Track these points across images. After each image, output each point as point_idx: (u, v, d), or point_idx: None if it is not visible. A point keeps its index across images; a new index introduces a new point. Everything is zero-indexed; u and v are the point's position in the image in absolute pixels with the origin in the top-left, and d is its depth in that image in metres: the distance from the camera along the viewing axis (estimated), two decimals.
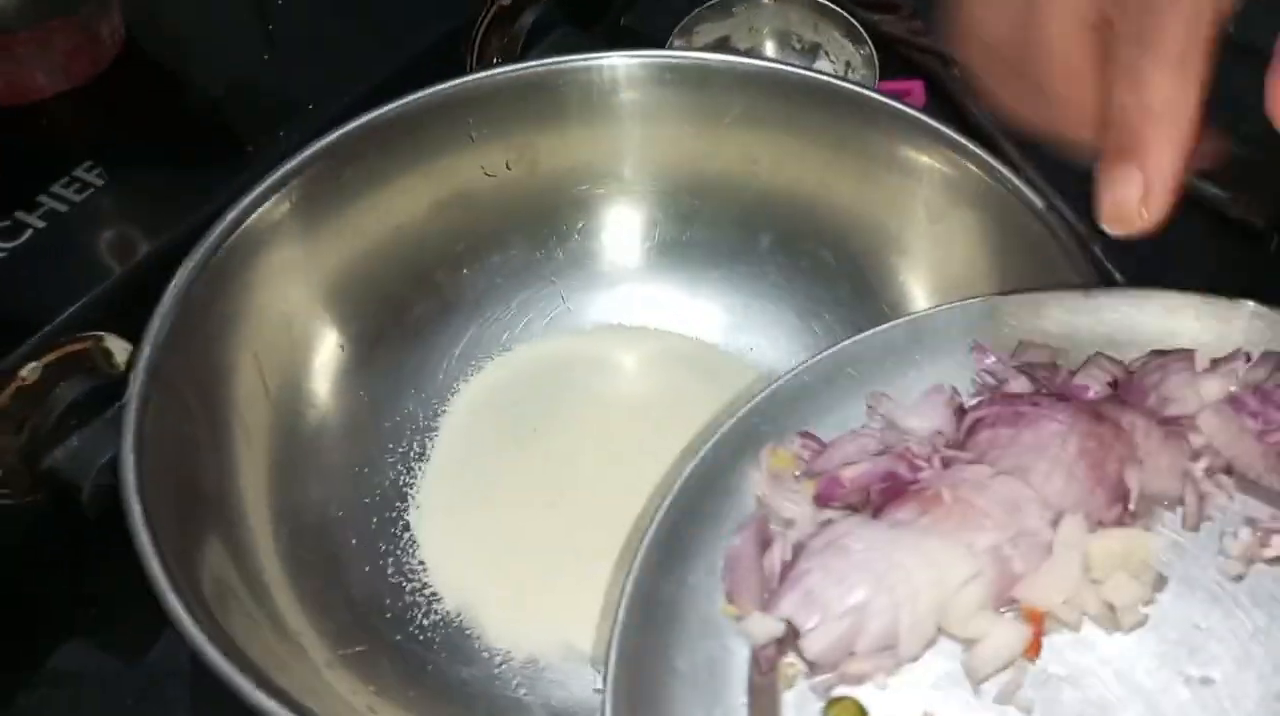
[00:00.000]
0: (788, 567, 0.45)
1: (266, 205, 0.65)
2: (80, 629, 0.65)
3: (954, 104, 0.87)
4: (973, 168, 0.68)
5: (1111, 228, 0.42)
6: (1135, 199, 0.39)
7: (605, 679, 0.42)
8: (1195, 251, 0.72)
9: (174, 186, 0.73)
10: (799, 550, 0.46)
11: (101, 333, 0.63)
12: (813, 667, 0.44)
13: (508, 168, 0.73)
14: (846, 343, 0.54)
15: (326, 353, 0.70)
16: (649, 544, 0.45)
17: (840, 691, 0.44)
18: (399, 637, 0.63)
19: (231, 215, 0.64)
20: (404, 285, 0.73)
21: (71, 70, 0.77)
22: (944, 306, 0.56)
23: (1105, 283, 0.59)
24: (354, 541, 0.66)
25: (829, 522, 0.47)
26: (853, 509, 0.47)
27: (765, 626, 0.44)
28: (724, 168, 0.75)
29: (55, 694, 0.63)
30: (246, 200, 0.64)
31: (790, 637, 0.45)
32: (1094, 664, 0.43)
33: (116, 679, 0.63)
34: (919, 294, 0.72)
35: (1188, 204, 0.43)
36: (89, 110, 0.77)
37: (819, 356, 0.53)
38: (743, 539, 0.47)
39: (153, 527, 0.53)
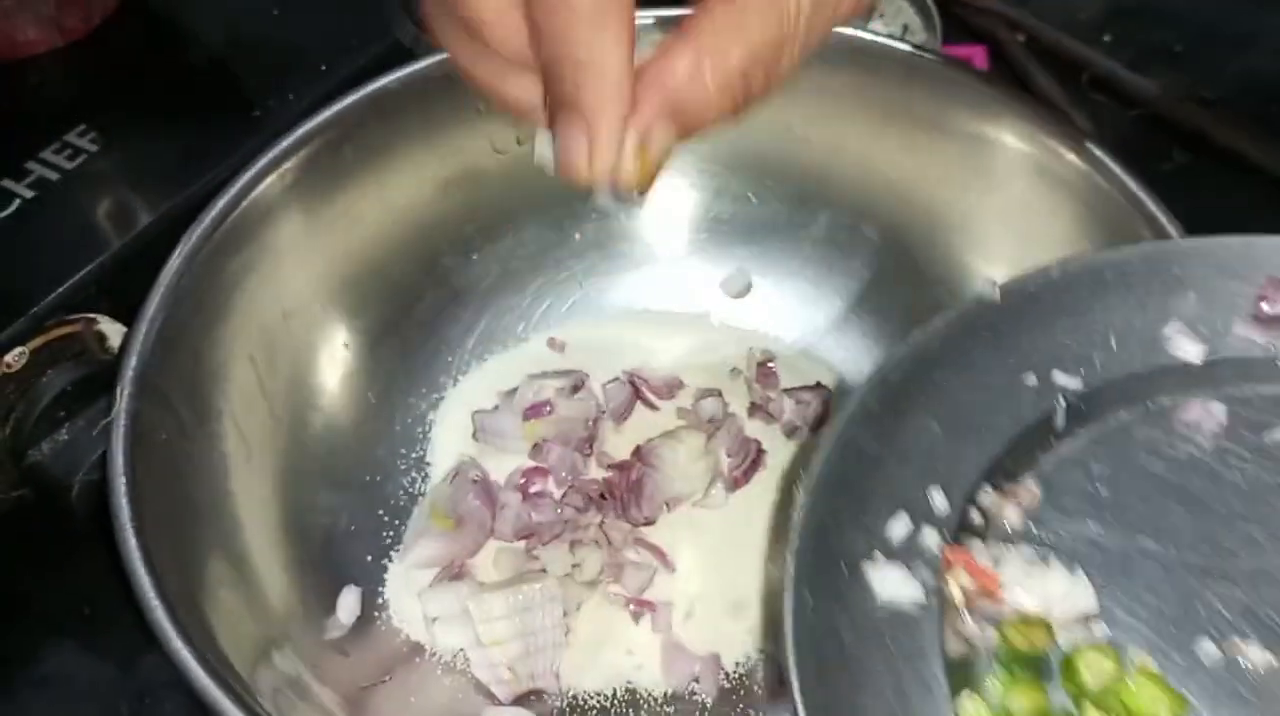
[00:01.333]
0: None
1: (262, 186, 0.59)
2: (71, 632, 0.60)
3: (1018, 70, 0.81)
4: (1047, 138, 0.62)
5: (565, 179, 0.40)
6: (582, 151, 0.38)
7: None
8: None
9: (174, 153, 0.67)
10: None
11: (94, 314, 0.58)
12: None
13: (518, 143, 0.67)
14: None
15: (330, 352, 0.64)
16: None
17: None
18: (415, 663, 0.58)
19: (224, 199, 0.58)
20: (410, 273, 0.67)
21: (63, 24, 0.71)
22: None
23: None
24: (368, 558, 0.61)
25: None
26: None
27: None
28: (757, 139, 0.69)
29: (44, 701, 0.59)
30: (242, 181, 0.59)
31: None
32: None
33: (109, 686, 0.59)
34: (982, 272, 0.66)
35: None
36: (82, 68, 0.71)
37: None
38: None
39: (143, 540, 0.48)
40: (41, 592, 0.61)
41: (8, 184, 0.64)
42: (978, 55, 0.80)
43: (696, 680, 0.57)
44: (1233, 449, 0.43)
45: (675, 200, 0.71)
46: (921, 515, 0.41)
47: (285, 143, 0.60)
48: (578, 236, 0.71)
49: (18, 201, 0.63)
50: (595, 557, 0.59)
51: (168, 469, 0.53)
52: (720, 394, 0.64)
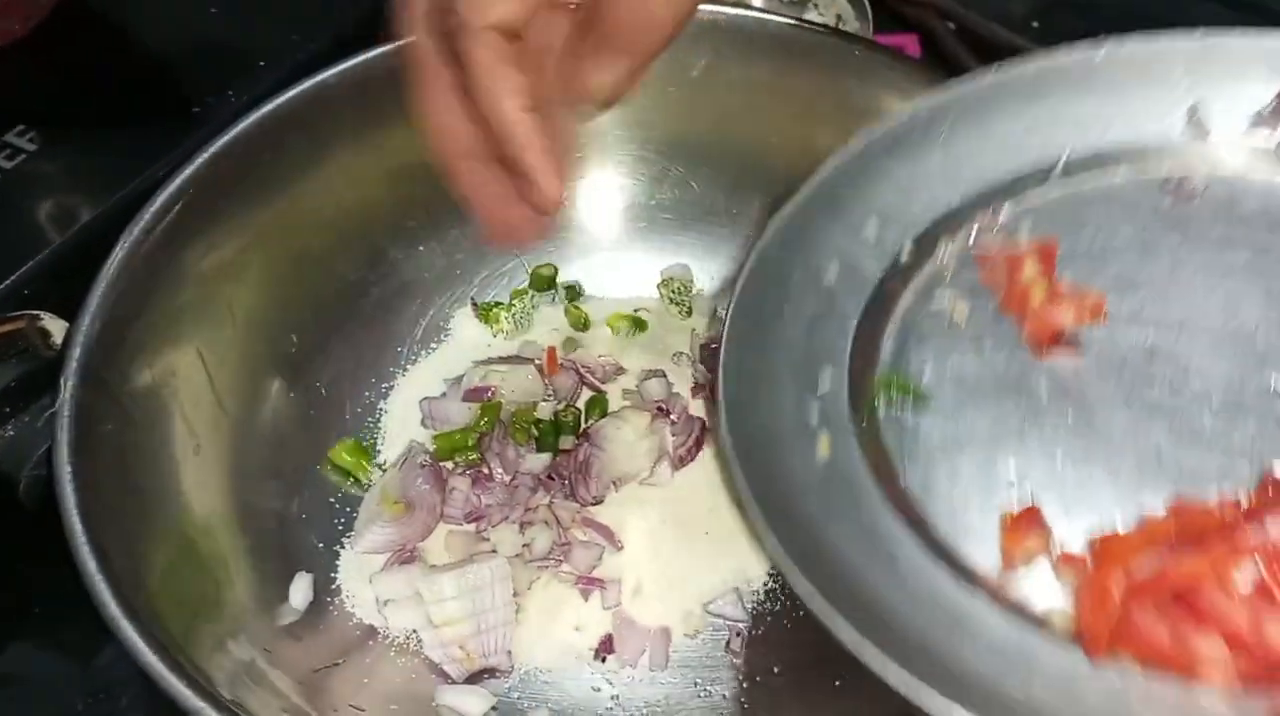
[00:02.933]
0: None
1: (204, 182, 0.60)
2: (23, 632, 0.60)
3: (949, 59, 0.83)
4: None
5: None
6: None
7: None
8: None
9: (114, 151, 0.67)
10: None
11: (38, 311, 0.58)
12: None
13: None
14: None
15: (278, 345, 0.65)
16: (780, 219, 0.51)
17: None
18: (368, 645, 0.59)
19: (165, 194, 0.59)
20: (358, 265, 0.68)
21: (2, 24, 0.71)
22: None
23: None
24: (320, 544, 0.62)
25: None
26: None
27: None
28: (696, 127, 0.70)
29: None
30: (183, 176, 0.59)
31: None
32: None
33: (65, 683, 0.59)
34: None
35: None
36: (21, 68, 0.71)
37: None
38: None
39: (91, 529, 0.49)
40: None
41: None
42: (910, 44, 0.81)
43: (646, 654, 0.58)
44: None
45: (616, 189, 0.72)
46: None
47: (226, 137, 0.61)
48: None
49: None
50: (545, 537, 0.60)
51: (115, 460, 0.53)
52: (665, 375, 0.65)
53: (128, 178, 0.63)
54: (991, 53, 0.84)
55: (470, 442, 0.63)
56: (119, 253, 0.56)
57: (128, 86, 0.71)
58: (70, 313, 0.56)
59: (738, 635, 0.59)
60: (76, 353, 0.53)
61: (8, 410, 0.56)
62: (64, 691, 0.58)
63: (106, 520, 0.50)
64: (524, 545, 0.60)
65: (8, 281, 0.60)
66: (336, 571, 0.61)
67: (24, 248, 0.62)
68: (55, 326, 0.57)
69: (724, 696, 0.58)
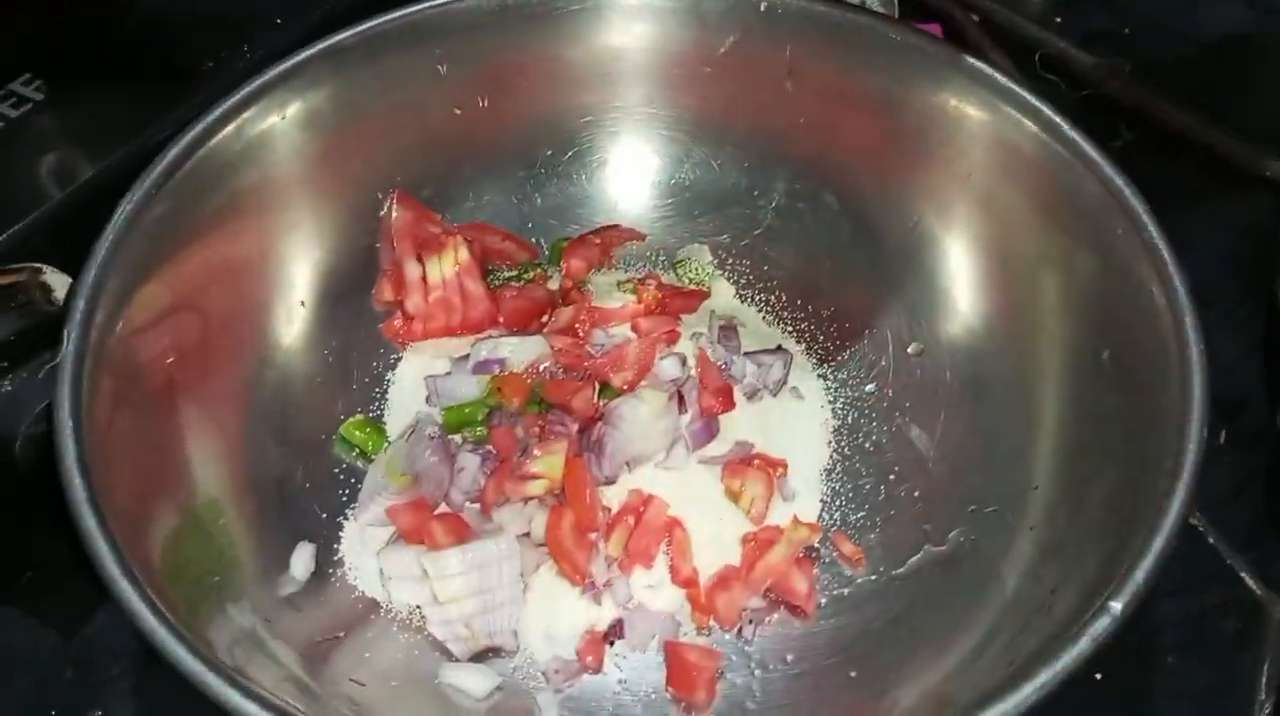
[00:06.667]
0: None
1: (216, 140, 0.58)
2: (11, 598, 0.58)
3: (971, 49, 0.81)
4: (1005, 105, 0.62)
5: None
6: None
7: None
8: None
9: (122, 103, 0.65)
10: None
11: (39, 264, 0.56)
12: None
13: (481, 104, 0.66)
14: None
15: (285, 309, 0.63)
16: None
17: None
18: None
19: (176, 150, 0.57)
20: (369, 234, 0.66)
21: None
22: None
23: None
24: (323, 515, 0.60)
25: None
26: None
27: None
28: (722, 105, 0.69)
29: None
30: (193, 132, 0.57)
31: None
32: None
33: (53, 652, 0.57)
34: (940, 238, 0.67)
35: None
36: (27, 15, 0.68)
37: None
38: None
39: (91, 488, 0.46)
40: None
41: None
42: (933, 33, 0.80)
43: (656, 639, 0.57)
44: None
45: (639, 166, 0.71)
46: None
47: (239, 95, 0.59)
48: (539, 200, 0.71)
49: None
50: (542, 520, 0.58)
51: (116, 417, 0.51)
52: (681, 354, 0.64)
53: (135, 132, 0.62)
54: (1014, 44, 0.83)
55: (479, 417, 0.61)
56: (126, 207, 0.55)
57: (140, 38, 0.69)
58: (72, 268, 0.54)
59: (750, 623, 0.57)
60: (80, 306, 0.51)
61: (5, 364, 0.55)
62: (51, 660, 0.56)
63: (106, 478, 0.48)
64: (530, 525, 0.58)
65: (8, 233, 0.58)
66: (339, 543, 0.59)
67: (27, 199, 0.60)
68: (57, 281, 0.56)
69: (734, 684, 0.56)
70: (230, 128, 0.59)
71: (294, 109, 0.61)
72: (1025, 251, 0.62)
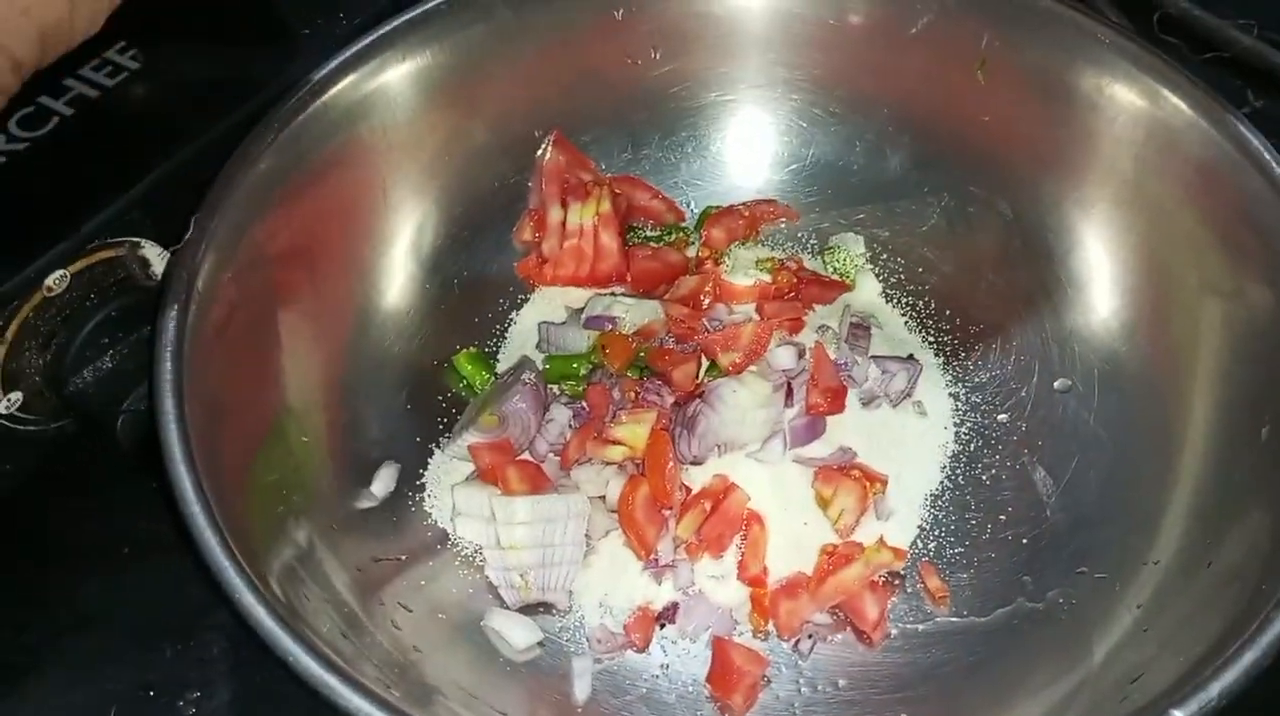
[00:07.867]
0: None
1: (365, 68, 0.58)
2: (107, 569, 0.56)
3: (1089, 9, 0.70)
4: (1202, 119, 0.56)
5: None
6: None
7: None
8: None
9: (220, 72, 0.61)
10: None
11: (138, 238, 0.54)
12: None
13: (654, 55, 0.64)
14: None
15: (418, 233, 0.63)
16: None
17: None
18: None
19: (275, 122, 0.54)
20: (523, 171, 0.65)
21: None
22: None
23: None
24: (417, 438, 0.60)
25: None
26: None
27: None
28: (906, 91, 0.65)
29: (87, 643, 0.55)
30: (291, 101, 0.55)
31: None
32: None
33: (151, 626, 0.55)
34: (1108, 261, 0.61)
35: None
36: None
37: None
38: None
39: (195, 471, 0.46)
40: (79, 530, 0.57)
41: (45, 101, 0.57)
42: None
43: (709, 631, 0.55)
44: None
45: (805, 143, 0.68)
46: None
47: (340, 58, 0.57)
48: (698, 163, 0.69)
49: (55, 120, 0.57)
50: (618, 486, 0.57)
51: (215, 378, 0.50)
52: (800, 345, 0.60)
53: (233, 102, 0.58)
54: (1132, 3, 0.74)
55: (581, 372, 0.60)
56: (227, 179, 0.52)
57: (234, 5, 0.65)
58: (169, 242, 0.52)
59: (810, 637, 0.55)
60: (183, 277, 0.50)
61: (105, 341, 0.53)
62: (150, 634, 0.55)
63: (209, 457, 0.47)
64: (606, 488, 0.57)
65: (107, 208, 0.55)
66: (425, 469, 0.60)
67: (124, 171, 0.56)
68: (154, 254, 0.55)
69: (777, 696, 0.54)
70: (353, 77, 0.58)
71: (461, 38, 0.61)
72: (1189, 280, 0.56)
